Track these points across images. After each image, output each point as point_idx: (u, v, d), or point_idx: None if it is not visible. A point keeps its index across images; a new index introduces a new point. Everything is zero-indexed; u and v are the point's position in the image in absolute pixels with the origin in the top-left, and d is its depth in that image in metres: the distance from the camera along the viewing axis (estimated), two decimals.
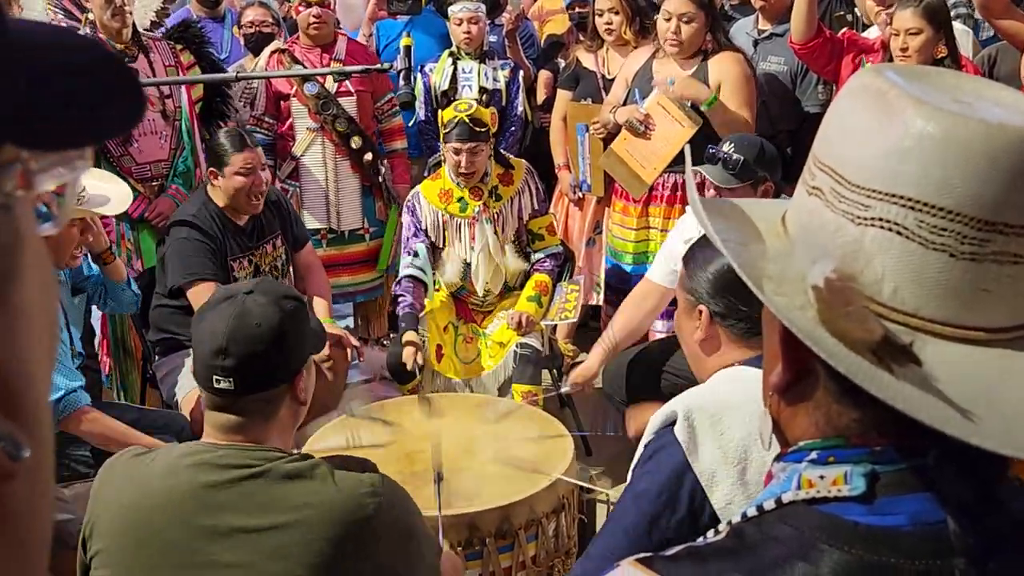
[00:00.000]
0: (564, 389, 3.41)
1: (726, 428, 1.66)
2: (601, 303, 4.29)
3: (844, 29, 4.43)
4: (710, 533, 0.81)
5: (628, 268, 4.02)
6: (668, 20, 3.75)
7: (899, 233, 0.73)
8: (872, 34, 4.40)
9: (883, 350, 0.71)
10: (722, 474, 1.65)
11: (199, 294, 3.21)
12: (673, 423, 1.70)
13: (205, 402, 1.66)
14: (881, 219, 0.73)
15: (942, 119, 0.73)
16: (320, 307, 3.69)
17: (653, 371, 3.34)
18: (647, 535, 1.64)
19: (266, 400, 1.64)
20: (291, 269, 3.82)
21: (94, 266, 3.24)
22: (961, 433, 0.69)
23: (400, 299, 3.62)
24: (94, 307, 4.02)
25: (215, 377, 1.60)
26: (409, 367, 3.41)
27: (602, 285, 4.29)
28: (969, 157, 0.71)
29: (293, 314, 1.65)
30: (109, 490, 1.64)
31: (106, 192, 3.11)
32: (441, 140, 3.70)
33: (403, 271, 3.69)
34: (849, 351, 0.72)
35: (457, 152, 3.58)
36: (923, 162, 0.72)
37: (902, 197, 0.72)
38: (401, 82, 3.00)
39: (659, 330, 3.82)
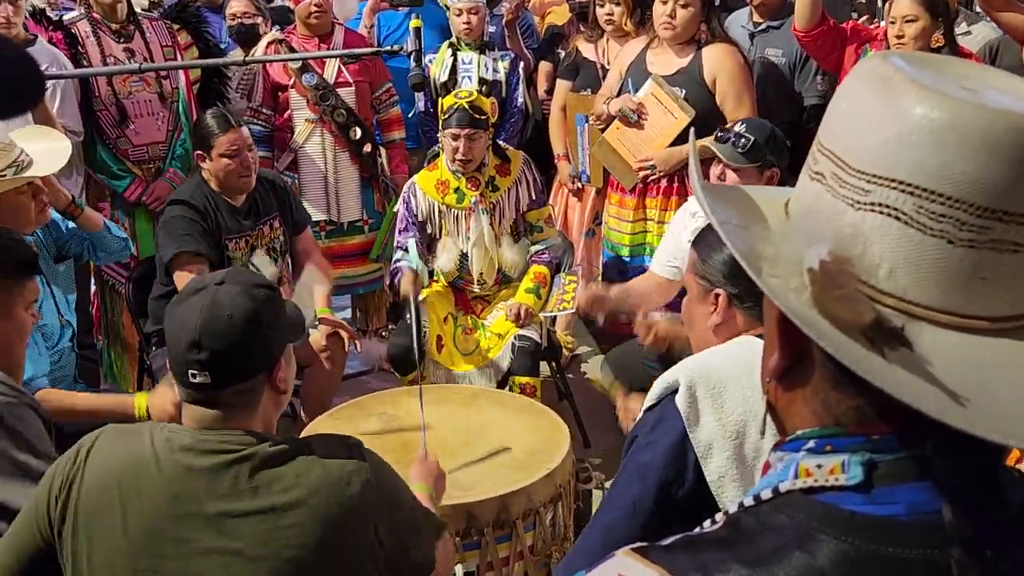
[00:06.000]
0: (572, 311, 3.42)
1: (727, 401, 1.66)
2: None
3: (849, 20, 4.41)
4: (707, 523, 0.81)
5: (625, 260, 4.02)
6: (664, 3, 3.74)
7: (897, 218, 0.72)
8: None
9: (875, 333, 0.71)
10: (718, 447, 1.65)
11: (183, 279, 3.18)
12: (674, 392, 1.69)
13: (183, 396, 1.62)
14: (880, 204, 0.72)
15: (944, 105, 0.72)
16: (318, 293, 3.65)
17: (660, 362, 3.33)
18: (656, 505, 1.62)
19: (244, 391, 1.61)
20: (289, 253, 3.78)
21: (70, 224, 3.13)
22: (948, 417, 0.68)
23: (396, 274, 3.63)
24: (88, 294, 3.98)
25: (190, 372, 1.57)
26: (405, 289, 3.45)
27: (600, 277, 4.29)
28: (970, 143, 0.70)
29: (266, 302, 1.61)
30: (92, 464, 1.59)
31: (44, 150, 2.88)
32: (440, 127, 3.69)
33: (393, 266, 3.69)
34: (841, 333, 0.71)
35: (455, 138, 3.57)
36: (923, 147, 0.71)
37: (902, 182, 0.72)
38: (412, 64, 2.99)
39: None
